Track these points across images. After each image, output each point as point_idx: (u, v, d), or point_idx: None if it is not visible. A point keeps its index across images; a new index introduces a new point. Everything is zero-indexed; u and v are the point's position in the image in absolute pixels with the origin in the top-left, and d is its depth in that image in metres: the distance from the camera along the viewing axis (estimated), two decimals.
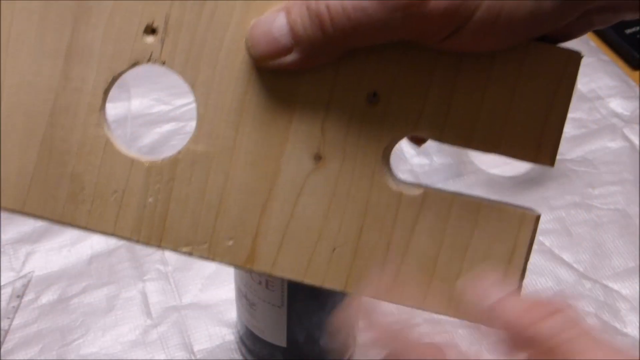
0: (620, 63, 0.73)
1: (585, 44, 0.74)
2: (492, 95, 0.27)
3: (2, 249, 0.55)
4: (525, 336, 0.25)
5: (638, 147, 0.65)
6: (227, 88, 0.27)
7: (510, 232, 0.28)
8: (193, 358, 0.50)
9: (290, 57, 0.26)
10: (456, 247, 0.28)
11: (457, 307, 0.28)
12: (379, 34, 0.25)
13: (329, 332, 0.45)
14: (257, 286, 0.41)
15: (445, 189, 0.28)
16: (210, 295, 0.54)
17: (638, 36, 0.73)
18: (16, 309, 0.52)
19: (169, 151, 0.28)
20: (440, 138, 0.27)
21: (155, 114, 0.66)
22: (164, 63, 0.28)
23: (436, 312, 0.28)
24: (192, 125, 0.27)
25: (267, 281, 0.40)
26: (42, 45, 0.27)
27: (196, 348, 0.51)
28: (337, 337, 0.46)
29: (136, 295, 0.53)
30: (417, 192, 0.28)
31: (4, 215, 0.57)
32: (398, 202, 0.28)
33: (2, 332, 0.51)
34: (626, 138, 0.66)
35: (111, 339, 0.51)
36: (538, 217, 0.28)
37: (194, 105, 0.27)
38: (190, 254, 0.29)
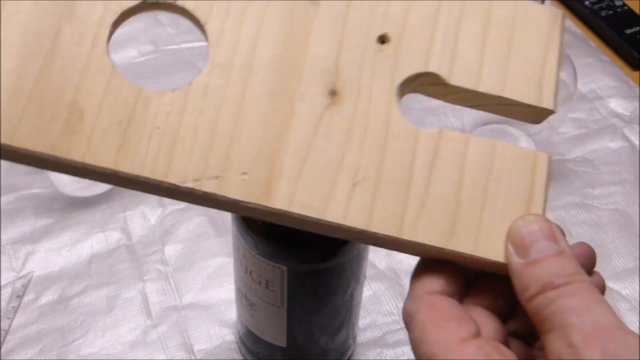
0: (620, 63, 0.73)
1: (585, 44, 0.74)
2: (493, 38, 0.29)
3: (2, 249, 0.55)
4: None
5: (638, 147, 0.65)
6: (241, 23, 0.28)
7: (527, 171, 0.28)
8: (193, 358, 0.50)
9: None
10: (477, 184, 0.28)
11: (485, 248, 0.27)
12: None
13: (329, 332, 0.45)
14: (257, 286, 0.41)
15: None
16: (210, 295, 0.54)
17: (638, 36, 0.73)
18: (16, 309, 0.52)
19: None
20: (450, 78, 0.29)
21: None
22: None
23: (463, 252, 0.27)
24: None
25: (267, 281, 0.40)
26: None
27: (196, 348, 0.51)
28: (337, 337, 0.46)
29: (136, 295, 0.53)
30: (433, 129, 0.28)
31: (4, 215, 0.57)
32: (416, 136, 0.28)
33: (2, 332, 0.51)
34: (626, 138, 0.66)
35: (111, 339, 0.51)
36: (549, 157, 0.29)
37: None
38: (196, 190, 0.26)
